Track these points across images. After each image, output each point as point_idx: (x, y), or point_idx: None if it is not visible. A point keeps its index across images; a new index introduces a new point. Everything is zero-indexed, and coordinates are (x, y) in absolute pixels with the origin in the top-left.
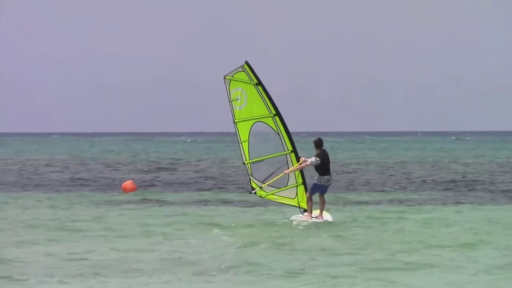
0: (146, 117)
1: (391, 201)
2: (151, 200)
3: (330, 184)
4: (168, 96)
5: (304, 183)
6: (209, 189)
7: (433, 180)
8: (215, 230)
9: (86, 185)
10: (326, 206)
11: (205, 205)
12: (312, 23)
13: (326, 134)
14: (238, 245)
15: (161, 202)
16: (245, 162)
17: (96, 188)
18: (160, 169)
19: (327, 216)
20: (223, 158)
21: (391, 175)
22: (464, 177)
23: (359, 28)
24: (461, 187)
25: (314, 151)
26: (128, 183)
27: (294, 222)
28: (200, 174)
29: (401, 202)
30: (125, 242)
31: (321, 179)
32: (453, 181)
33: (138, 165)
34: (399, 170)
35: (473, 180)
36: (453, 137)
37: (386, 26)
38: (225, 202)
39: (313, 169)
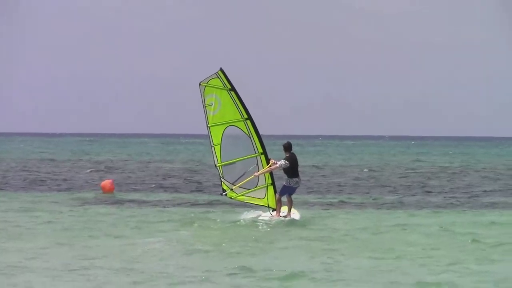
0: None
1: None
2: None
3: (299, 186)
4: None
5: (273, 183)
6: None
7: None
8: (182, 232)
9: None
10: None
11: (178, 205)
12: None
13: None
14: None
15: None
16: (216, 165)
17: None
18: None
19: (294, 215)
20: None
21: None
22: None
23: None
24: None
25: (283, 154)
26: (106, 183)
27: (262, 221)
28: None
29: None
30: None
31: (290, 181)
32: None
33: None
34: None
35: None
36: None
37: None
38: (195, 204)
39: (282, 171)
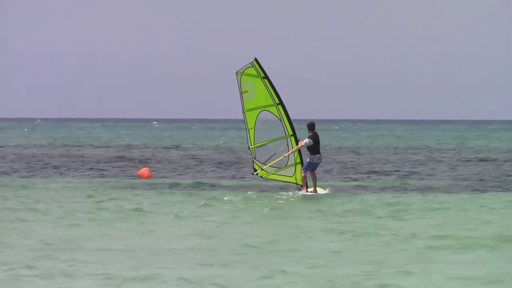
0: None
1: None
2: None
3: (321, 162)
4: None
5: (301, 162)
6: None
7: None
8: (226, 207)
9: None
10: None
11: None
12: None
13: None
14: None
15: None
16: (250, 147)
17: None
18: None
19: (321, 190)
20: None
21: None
22: None
23: None
24: None
25: (307, 133)
26: (144, 170)
27: (292, 197)
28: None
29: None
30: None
31: (313, 158)
32: None
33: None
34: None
35: None
36: None
37: None
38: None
39: (306, 149)
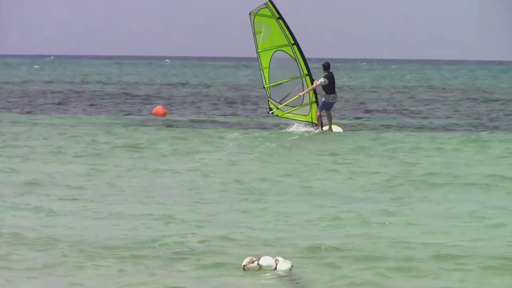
0: None
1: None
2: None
3: (336, 101)
4: None
5: (316, 101)
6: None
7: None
8: (231, 144)
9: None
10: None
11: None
12: None
13: None
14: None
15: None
16: (265, 86)
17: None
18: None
19: (336, 129)
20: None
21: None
22: None
23: None
24: None
25: (322, 73)
26: (158, 108)
27: (307, 134)
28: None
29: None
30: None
31: (328, 97)
32: None
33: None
34: None
35: None
36: None
37: None
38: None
39: (321, 89)
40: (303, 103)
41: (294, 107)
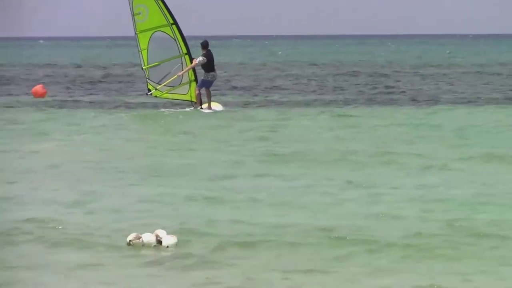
0: None
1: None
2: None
3: (215, 79)
4: None
5: (196, 79)
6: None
7: None
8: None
9: None
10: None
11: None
12: None
13: None
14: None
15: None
16: (143, 68)
17: None
18: None
19: (216, 106)
20: None
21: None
22: None
23: None
24: None
25: (201, 51)
26: (38, 87)
27: (186, 112)
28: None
29: None
30: None
31: (207, 75)
32: None
33: None
34: None
35: None
36: None
37: None
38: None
39: (201, 67)
40: (182, 82)
41: (173, 87)
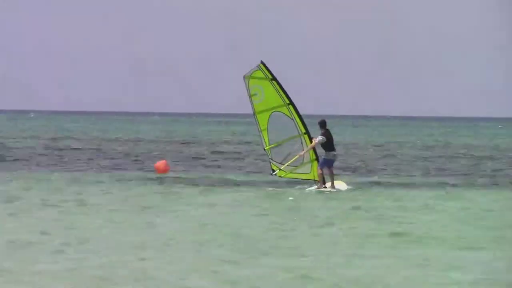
0: None
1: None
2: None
3: (336, 158)
4: None
5: (317, 159)
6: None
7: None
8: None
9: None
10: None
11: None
12: None
13: None
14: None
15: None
16: (265, 148)
17: None
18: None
19: (340, 186)
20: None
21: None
22: None
23: None
24: None
25: (319, 131)
26: (160, 164)
27: (310, 192)
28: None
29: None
30: None
31: (328, 155)
32: None
33: None
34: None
35: None
36: None
37: None
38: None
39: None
40: (304, 162)
41: (296, 166)
